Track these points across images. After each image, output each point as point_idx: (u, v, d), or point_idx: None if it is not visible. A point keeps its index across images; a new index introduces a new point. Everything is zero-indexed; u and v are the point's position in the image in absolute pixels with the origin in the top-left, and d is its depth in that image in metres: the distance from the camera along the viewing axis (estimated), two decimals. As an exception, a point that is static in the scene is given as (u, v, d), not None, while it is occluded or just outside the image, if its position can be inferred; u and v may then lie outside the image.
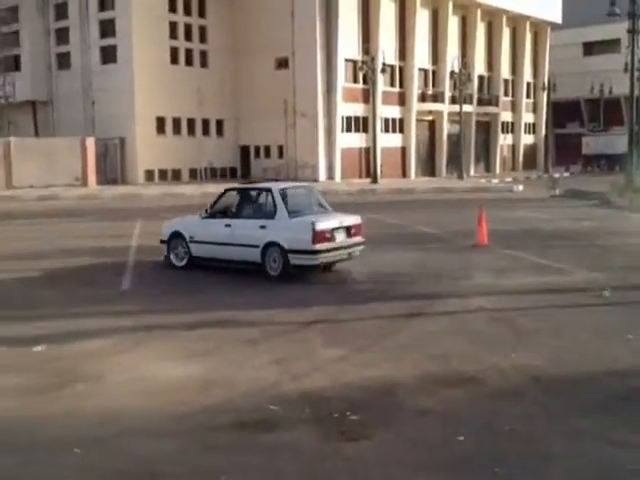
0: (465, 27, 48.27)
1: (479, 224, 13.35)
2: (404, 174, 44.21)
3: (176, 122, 41.08)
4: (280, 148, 42.15)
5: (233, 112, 42.88)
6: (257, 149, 43.63)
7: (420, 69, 44.78)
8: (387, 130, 43.05)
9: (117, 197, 29.34)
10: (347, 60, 40.71)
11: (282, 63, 41.25)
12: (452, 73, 42.12)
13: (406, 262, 11.60)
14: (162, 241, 11.44)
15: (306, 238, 9.83)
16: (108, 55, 40.30)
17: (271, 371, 5.87)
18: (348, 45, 40.29)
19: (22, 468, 4.03)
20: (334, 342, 6.74)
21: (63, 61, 42.73)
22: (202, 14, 42.20)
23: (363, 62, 38.21)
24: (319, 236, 9.85)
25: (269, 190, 10.64)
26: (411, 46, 43.77)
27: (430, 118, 46.03)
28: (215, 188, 32.66)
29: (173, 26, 40.83)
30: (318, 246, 9.84)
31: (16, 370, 5.90)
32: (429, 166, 46.51)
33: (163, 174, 40.41)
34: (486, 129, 50.95)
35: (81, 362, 6.12)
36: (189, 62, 41.73)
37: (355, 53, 40.72)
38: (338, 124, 40.49)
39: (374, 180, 36.24)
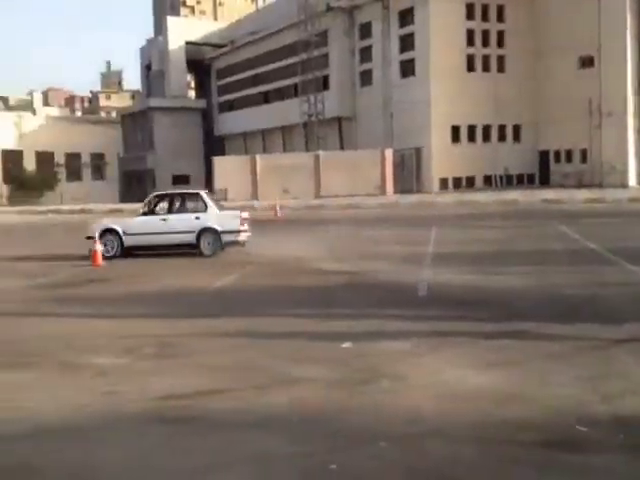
0: None
1: None
2: None
3: (471, 129, 41.07)
4: (583, 152, 39.57)
5: (531, 116, 41.43)
6: (557, 154, 41.54)
7: None
8: None
9: (413, 205, 30.32)
10: (665, 51, 36.68)
11: (586, 61, 38.72)
12: None
13: None
14: (89, 237, 14.55)
15: (236, 222, 14.67)
16: (407, 69, 41.94)
17: (577, 389, 5.48)
18: (666, 34, 36.29)
19: (325, 454, 4.33)
20: (652, 364, 6.06)
21: (365, 78, 45.58)
22: (500, 19, 41.58)
23: (685, 52, 34.07)
24: (243, 221, 14.84)
25: (198, 193, 15.47)
26: None
27: None
28: (512, 195, 31.91)
29: (470, 33, 40.95)
30: (242, 228, 14.75)
31: (326, 363, 6.40)
32: None
33: (457, 182, 40.65)
34: None
35: (384, 361, 6.41)
36: (486, 68, 41.44)
37: (675, 42, 36.50)
38: (652, 123, 36.67)
39: (698, 185, 32.00)
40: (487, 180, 41.08)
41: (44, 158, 42.13)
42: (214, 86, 62.69)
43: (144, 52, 69.24)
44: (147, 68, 67.09)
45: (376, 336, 7.34)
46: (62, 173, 43.68)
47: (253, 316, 8.66)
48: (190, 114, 57.83)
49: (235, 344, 7.30)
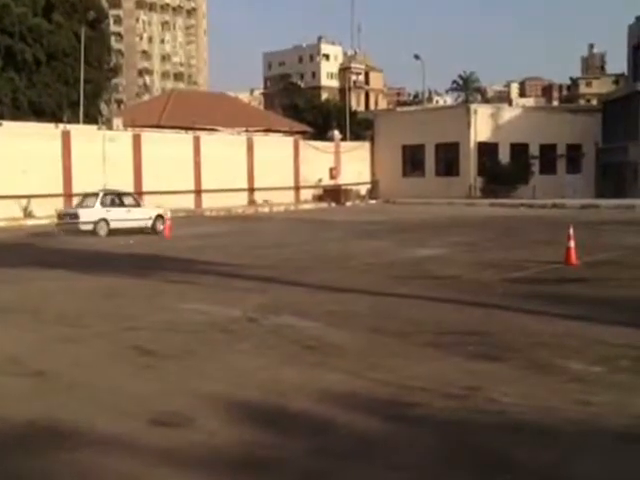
0: None
1: None
2: None
3: None
4: None
5: None
6: None
7: None
8: None
9: None
10: None
11: None
12: None
13: None
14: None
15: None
16: None
17: None
18: None
19: None
20: None
21: None
22: None
23: None
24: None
25: (132, 194, 26.73)
26: None
27: None
28: None
29: None
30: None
31: None
32: None
33: None
34: None
35: None
36: None
37: None
38: None
39: None
40: None
41: (518, 150, 43.74)
42: None
43: (632, 31, 65.83)
44: (635, 48, 63.62)
45: None
46: (535, 165, 44.64)
47: None
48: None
49: None
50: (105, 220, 23.79)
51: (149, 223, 24.34)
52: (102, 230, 23.60)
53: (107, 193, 25.08)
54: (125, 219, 24.08)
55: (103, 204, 24.20)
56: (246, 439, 5.02)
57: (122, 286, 12.42)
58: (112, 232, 23.42)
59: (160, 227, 24.25)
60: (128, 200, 25.29)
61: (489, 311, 9.50)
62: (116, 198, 25.03)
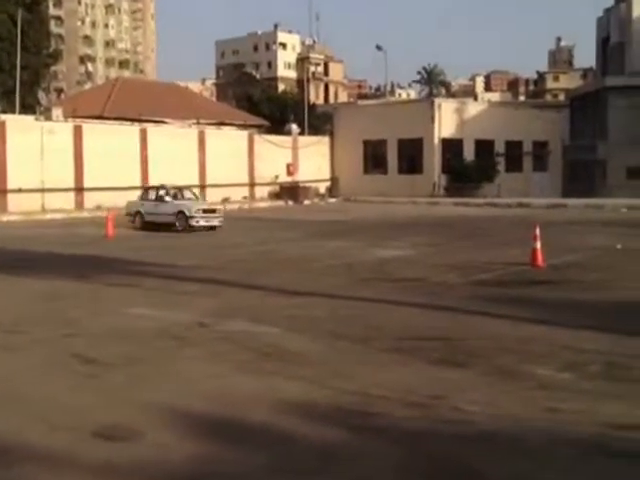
0: None
1: None
2: None
3: None
4: None
5: None
6: None
7: None
8: None
9: None
10: None
11: None
12: None
13: None
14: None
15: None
16: None
17: None
18: None
19: None
20: None
21: None
22: None
23: None
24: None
25: (164, 187, 25.44)
26: None
27: None
28: None
29: None
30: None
31: None
32: None
33: None
34: None
35: None
36: None
37: None
38: None
39: None
40: None
41: (483, 147, 44.28)
42: None
43: (601, 23, 67.29)
44: (604, 42, 65.04)
45: None
46: (501, 163, 45.26)
47: None
48: (653, 93, 53.94)
49: None
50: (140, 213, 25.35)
51: (173, 219, 24.03)
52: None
53: (146, 187, 27.65)
54: (152, 213, 24.73)
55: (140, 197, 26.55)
56: (197, 453, 4.97)
57: (63, 289, 12.19)
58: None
59: (179, 224, 23.78)
60: (177, 194, 25.55)
61: (454, 315, 9.60)
62: (157, 191, 25.43)
